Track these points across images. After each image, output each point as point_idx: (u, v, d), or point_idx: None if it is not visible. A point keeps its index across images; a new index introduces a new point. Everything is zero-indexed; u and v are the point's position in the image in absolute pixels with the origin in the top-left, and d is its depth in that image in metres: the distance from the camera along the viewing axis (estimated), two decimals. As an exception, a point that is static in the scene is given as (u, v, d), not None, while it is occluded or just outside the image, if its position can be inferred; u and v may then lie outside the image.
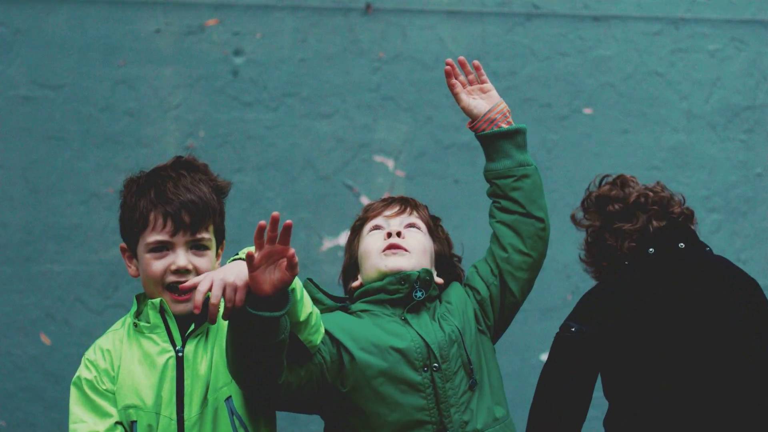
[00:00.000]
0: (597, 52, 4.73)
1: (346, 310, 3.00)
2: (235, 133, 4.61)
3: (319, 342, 2.84)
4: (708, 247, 3.16)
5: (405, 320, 2.93)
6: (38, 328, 4.52)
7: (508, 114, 3.11)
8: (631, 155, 4.73)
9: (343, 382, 2.86)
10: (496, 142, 3.08)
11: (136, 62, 4.57)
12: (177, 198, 2.87)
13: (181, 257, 2.88)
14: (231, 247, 4.56)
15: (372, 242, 3.04)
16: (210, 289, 2.64)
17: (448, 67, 3.13)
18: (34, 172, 4.54)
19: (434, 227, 3.14)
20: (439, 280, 3.06)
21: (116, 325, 3.01)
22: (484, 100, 3.12)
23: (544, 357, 4.50)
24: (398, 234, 3.02)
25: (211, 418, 2.86)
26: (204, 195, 2.91)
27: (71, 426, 2.90)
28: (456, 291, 3.05)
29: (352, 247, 3.12)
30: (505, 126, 3.08)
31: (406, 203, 3.14)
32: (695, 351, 3.01)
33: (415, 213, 3.11)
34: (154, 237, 2.88)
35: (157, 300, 2.90)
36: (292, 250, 2.61)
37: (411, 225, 3.07)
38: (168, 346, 2.88)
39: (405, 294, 2.96)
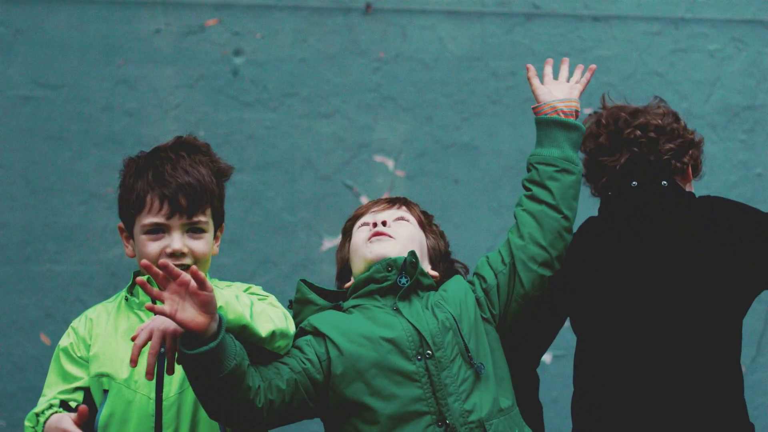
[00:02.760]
0: (597, 52, 4.73)
1: (339, 309, 2.97)
2: (235, 133, 4.61)
3: (288, 343, 2.80)
4: (665, 181, 3.13)
5: (397, 310, 2.90)
6: (38, 328, 4.52)
7: (576, 112, 3.08)
8: (632, 155, 4.72)
9: (337, 378, 2.84)
10: (552, 129, 3.06)
11: (136, 62, 4.57)
12: (174, 180, 2.87)
13: (177, 240, 2.87)
14: (231, 248, 4.58)
15: (359, 235, 3.03)
16: (147, 341, 2.62)
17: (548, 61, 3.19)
18: (34, 172, 4.53)
19: (427, 222, 3.12)
20: (434, 273, 3.04)
21: (111, 298, 3.02)
22: (560, 91, 3.12)
23: (547, 356, 4.49)
24: (384, 223, 3.00)
25: (191, 401, 2.84)
26: (202, 178, 2.90)
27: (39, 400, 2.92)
28: (455, 281, 3.02)
29: (343, 252, 3.10)
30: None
31: (396, 200, 3.12)
32: (640, 292, 3.02)
33: (404, 208, 3.09)
34: (150, 219, 2.88)
35: (145, 277, 2.89)
36: (195, 269, 2.56)
37: (400, 218, 3.05)
38: None
39: (393, 281, 2.93)
